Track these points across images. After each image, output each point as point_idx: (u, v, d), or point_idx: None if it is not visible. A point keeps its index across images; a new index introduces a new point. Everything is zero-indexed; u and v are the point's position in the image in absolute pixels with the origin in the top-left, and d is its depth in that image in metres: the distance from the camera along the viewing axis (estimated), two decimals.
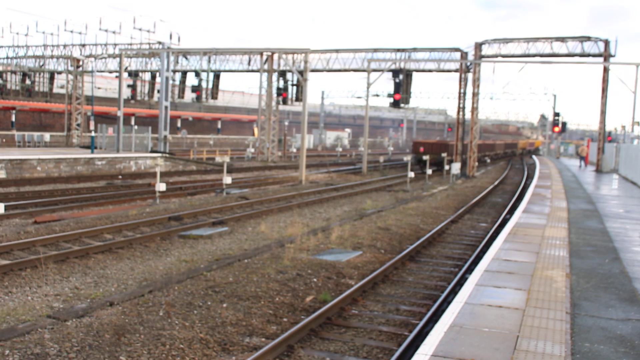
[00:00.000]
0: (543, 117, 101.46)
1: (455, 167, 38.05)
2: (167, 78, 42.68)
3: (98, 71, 53.82)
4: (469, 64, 41.40)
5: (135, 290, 11.08)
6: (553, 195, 24.23)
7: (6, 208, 20.03)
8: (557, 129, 56.77)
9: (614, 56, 38.54)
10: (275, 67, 48.35)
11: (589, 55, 39.10)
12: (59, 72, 57.53)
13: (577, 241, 13.72)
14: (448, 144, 48.22)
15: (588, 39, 38.84)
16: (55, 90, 62.13)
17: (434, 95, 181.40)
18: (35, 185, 27.14)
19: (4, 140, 53.17)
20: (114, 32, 52.17)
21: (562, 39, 39.50)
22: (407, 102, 41.81)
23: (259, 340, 8.78)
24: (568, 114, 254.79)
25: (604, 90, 39.39)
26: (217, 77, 51.97)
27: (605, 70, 38.99)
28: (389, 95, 41.91)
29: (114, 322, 9.06)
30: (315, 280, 12.01)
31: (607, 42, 38.33)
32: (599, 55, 38.70)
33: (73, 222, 17.55)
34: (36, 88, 58.85)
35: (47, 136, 53.43)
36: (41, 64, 57.13)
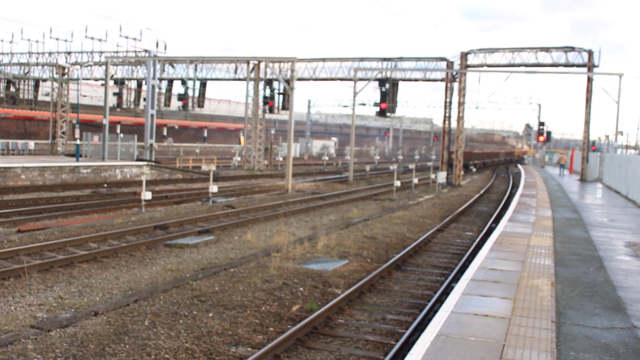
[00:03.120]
0: (528, 126, 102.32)
1: (441, 176, 38.20)
2: (153, 86, 42.56)
3: (84, 79, 53.56)
4: (454, 73, 41.66)
5: (121, 299, 11.00)
6: (538, 204, 24.37)
7: None
8: (542, 138, 57.21)
9: (597, 66, 38.94)
10: (261, 75, 48.40)
11: (573, 65, 39.49)
12: (44, 80, 57.15)
13: (562, 250, 13.80)
14: (472, 152, 65.62)
15: (572, 49, 39.23)
16: (40, 97, 61.68)
17: (420, 104, 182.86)
18: (19, 194, 26.91)
19: None
20: (100, 40, 51.96)
21: (547, 49, 39.87)
22: (393, 111, 42.02)
23: (245, 350, 8.74)
24: (553, 123, 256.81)
25: (588, 100, 39.76)
26: (203, 85, 51.97)
27: (589, 80, 39.37)
28: (376, 104, 42.08)
29: (98, 332, 8.98)
30: (301, 289, 11.99)
31: (590, 53, 38.73)
32: (583, 65, 39.09)
33: (57, 230, 17.41)
34: (21, 95, 58.43)
35: (31, 144, 53.03)
36: (26, 71, 56.76)
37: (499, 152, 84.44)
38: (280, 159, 62.24)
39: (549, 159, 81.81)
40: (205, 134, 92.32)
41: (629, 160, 30.19)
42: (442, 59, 42.97)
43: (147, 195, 22.74)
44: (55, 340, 8.63)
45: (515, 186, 39.43)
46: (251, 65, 48.37)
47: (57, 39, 53.67)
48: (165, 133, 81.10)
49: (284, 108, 48.48)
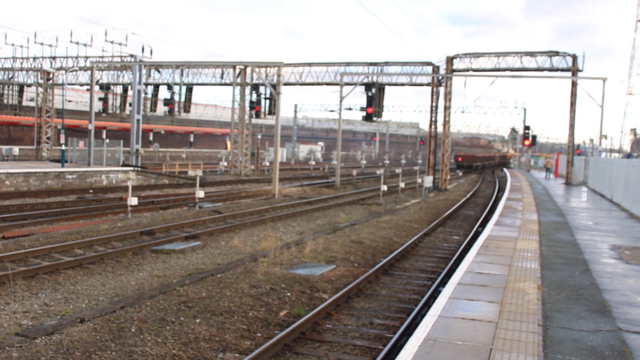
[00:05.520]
0: (514, 130, 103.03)
1: (428, 180, 38.32)
2: (139, 91, 42.37)
3: (69, 84, 53.28)
4: (440, 77, 41.85)
5: (107, 306, 10.92)
6: (524, 207, 24.51)
7: None
8: (527, 142, 57.59)
9: (581, 71, 39.27)
10: (248, 80, 48.38)
11: (557, 69, 39.80)
12: (29, 85, 56.79)
13: (548, 253, 13.88)
14: (475, 155, 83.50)
15: (556, 53, 39.54)
16: (25, 103, 61.33)
17: (406, 108, 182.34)
18: (4, 200, 26.66)
19: None
20: (85, 45, 51.78)
21: (532, 54, 40.17)
22: (379, 115, 42.12)
23: (232, 356, 8.71)
24: (538, 127, 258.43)
25: (573, 104, 40.08)
26: (189, 90, 51.84)
27: (574, 84, 39.68)
28: (362, 109, 42.19)
29: (84, 339, 8.91)
30: (289, 294, 11.97)
31: (574, 57, 39.05)
32: (567, 69, 39.41)
33: (43, 237, 17.26)
34: (5, 101, 58.10)
35: (16, 150, 52.63)
36: (10, 76, 56.38)
37: (494, 155, 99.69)
38: (267, 163, 62.18)
39: (535, 162, 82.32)
40: (192, 139, 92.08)
41: (613, 164, 30.45)
42: (428, 64, 43.16)
43: (133, 200, 22.63)
44: (40, 348, 8.55)
45: (501, 190, 39.64)
46: (237, 70, 48.33)
47: (41, 44, 53.43)
48: (151, 138, 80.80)
49: (270, 113, 48.40)
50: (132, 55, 48.16)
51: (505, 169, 76.33)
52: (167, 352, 8.52)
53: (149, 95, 52.91)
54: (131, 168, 37.96)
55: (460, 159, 77.30)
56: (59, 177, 32.66)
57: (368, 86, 41.05)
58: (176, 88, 49.34)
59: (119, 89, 55.51)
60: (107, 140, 41.44)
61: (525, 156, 79.10)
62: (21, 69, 55.04)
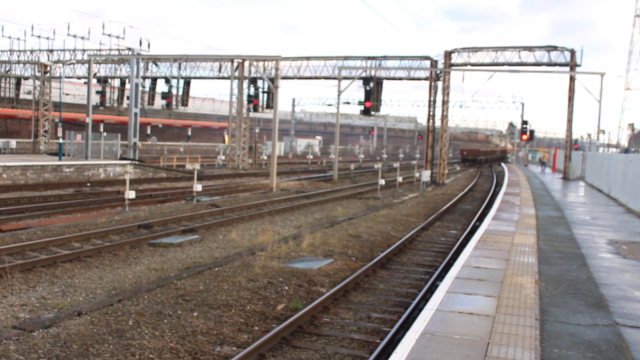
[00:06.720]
0: (511, 125, 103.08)
1: (426, 175, 38.31)
2: (136, 84, 42.27)
3: (66, 77, 53.16)
4: (438, 72, 41.79)
5: (104, 299, 10.92)
6: (522, 202, 24.53)
7: None
8: (525, 137, 57.58)
9: (579, 65, 39.24)
10: (246, 74, 48.28)
11: (555, 64, 39.78)
12: (26, 78, 56.66)
13: (545, 248, 13.90)
14: (479, 150, 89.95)
15: (555, 48, 39.51)
16: (22, 96, 61.21)
17: (404, 103, 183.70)
18: (1, 193, 26.62)
19: None
20: (82, 38, 51.62)
21: (530, 49, 40.13)
22: (377, 109, 42.10)
23: (230, 350, 8.71)
24: (536, 122, 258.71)
25: (571, 99, 40.08)
26: (187, 83, 51.77)
27: (572, 79, 39.67)
28: (360, 103, 42.13)
29: (82, 332, 8.91)
30: (286, 288, 11.97)
31: (573, 52, 39.02)
32: (566, 64, 39.38)
33: (40, 230, 17.25)
34: (2, 94, 57.91)
35: (13, 143, 52.52)
36: (7, 69, 56.21)
37: (496, 150, 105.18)
38: (265, 157, 62.14)
39: (532, 157, 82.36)
40: (190, 133, 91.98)
41: (610, 159, 30.48)
42: (427, 58, 43.10)
43: (130, 194, 22.60)
44: (37, 341, 8.55)
45: (498, 184, 39.65)
46: (235, 64, 48.24)
47: (39, 37, 53.24)
48: (149, 132, 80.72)
49: (268, 107, 48.38)
50: (129, 49, 48.01)
51: (503, 164, 76.48)
52: (164, 346, 8.52)
53: (147, 89, 52.82)
54: (129, 161, 37.91)
55: (465, 153, 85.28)
56: (56, 170, 32.60)
57: (366, 80, 41.01)
58: (174, 81, 49.25)
59: (116, 82, 55.41)
60: (105, 134, 41.39)
61: (523, 151, 79.13)
62: (18, 62, 54.89)
